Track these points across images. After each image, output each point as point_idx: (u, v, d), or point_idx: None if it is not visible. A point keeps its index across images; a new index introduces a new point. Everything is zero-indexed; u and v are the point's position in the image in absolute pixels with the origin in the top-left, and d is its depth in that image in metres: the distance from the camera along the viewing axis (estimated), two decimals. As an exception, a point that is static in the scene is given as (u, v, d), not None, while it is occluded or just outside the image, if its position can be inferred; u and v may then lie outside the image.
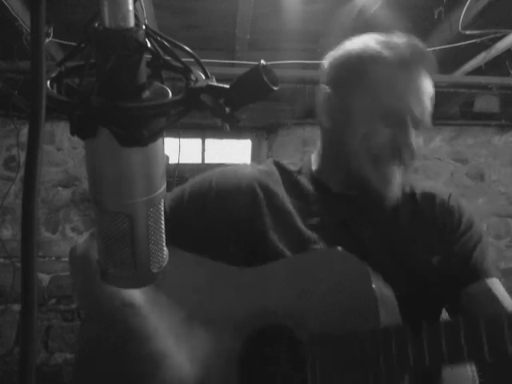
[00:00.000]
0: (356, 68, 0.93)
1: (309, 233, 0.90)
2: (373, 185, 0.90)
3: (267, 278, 0.83)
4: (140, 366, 0.79)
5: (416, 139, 0.89)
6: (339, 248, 0.80)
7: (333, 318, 0.74)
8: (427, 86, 0.91)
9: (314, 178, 0.99)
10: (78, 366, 0.90)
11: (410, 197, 0.98)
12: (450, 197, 1.00)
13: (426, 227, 0.95)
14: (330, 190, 0.97)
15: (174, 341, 0.81)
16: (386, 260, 0.89)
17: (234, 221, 0.93)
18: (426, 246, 0.93)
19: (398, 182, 0.90)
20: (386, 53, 0.91)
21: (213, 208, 0.94)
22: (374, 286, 0.72)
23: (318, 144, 1.01)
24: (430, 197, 0.99)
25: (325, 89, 0.97)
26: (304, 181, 0.99)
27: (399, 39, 0.93)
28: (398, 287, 0.79)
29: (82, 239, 0.98)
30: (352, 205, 0.94)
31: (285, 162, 1.05)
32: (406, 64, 0.90)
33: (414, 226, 0.95)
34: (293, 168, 1.03)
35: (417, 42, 0.94)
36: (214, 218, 0.94)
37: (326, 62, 0.98)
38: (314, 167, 1.01)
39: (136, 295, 0.83)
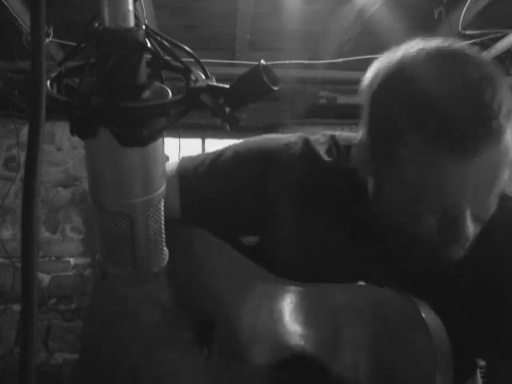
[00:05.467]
0: (384, 141, 0.64)
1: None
2: (432, 247, 0.65)
3: (303, 304, 0.73)
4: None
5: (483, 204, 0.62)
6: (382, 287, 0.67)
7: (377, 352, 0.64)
8: (500, 156, 0.58)
9: (355, 183, 0.73)
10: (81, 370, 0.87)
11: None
12: None
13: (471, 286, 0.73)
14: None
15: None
16: None
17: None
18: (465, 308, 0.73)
19: (470, 233, 0.62)
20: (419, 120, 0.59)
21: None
22: (427, 322, 0.59)
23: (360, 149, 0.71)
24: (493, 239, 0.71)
25: (363, 134, 0.69)
26: (342, 185, 0.76)
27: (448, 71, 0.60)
28: None
29: None
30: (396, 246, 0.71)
31: (314, 140, 0.81)
32: (461, 137, 0.57)
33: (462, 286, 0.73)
34: (328, 159, 0.78)
35: (480, 68, 0.61)
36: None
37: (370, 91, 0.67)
38: (353, 163, 0.75)
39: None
